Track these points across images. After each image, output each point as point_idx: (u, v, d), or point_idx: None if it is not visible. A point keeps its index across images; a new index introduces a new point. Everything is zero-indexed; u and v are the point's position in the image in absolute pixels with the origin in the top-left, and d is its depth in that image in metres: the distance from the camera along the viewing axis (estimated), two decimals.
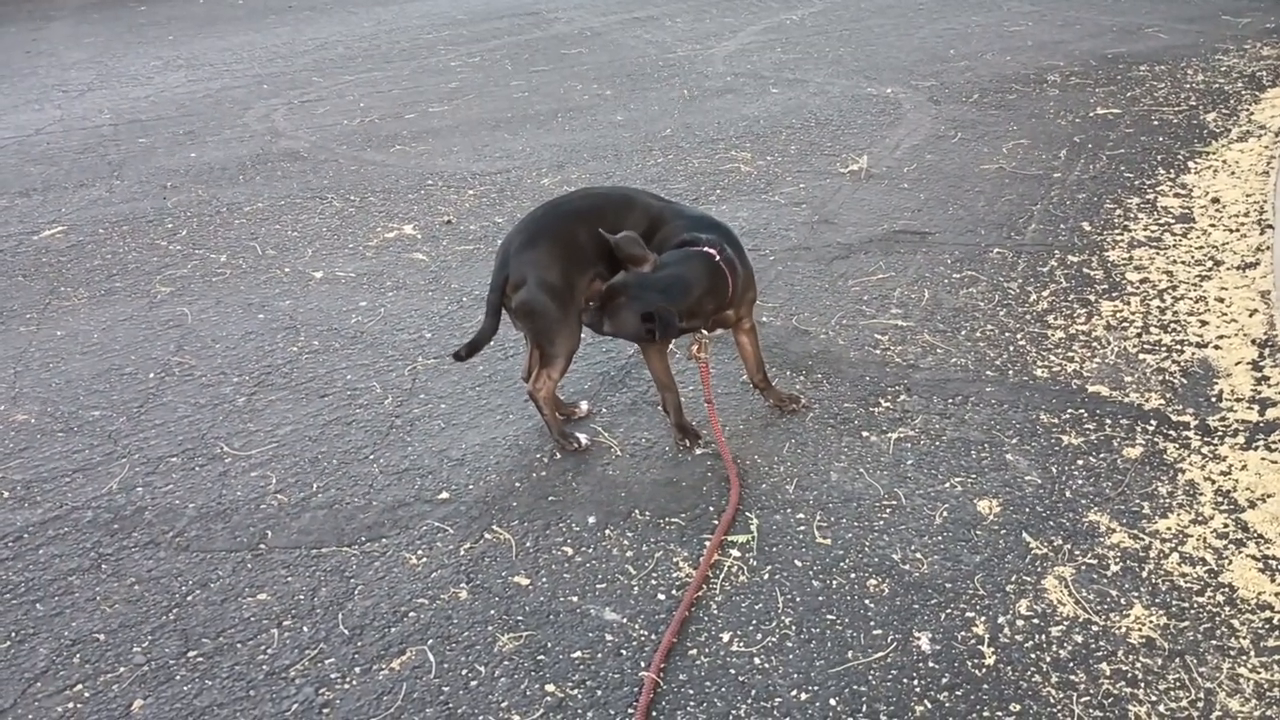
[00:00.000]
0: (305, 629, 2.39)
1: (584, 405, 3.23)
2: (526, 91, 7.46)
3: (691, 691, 2.15)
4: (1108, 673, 2.12)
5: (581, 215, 2.89)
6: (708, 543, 2.57)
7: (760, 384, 3.14)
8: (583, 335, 2.94)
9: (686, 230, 2.87)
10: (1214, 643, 2.18)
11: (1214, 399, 3.06)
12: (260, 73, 8.80)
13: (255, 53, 9.75)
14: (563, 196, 3.05)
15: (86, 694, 2.24)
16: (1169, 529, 2.53)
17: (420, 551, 2.63)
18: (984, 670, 2.15)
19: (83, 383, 3.60)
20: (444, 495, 2.85)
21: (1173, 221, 4.34)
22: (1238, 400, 3.04)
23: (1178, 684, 2.09)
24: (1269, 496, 2.61)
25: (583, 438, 3.03)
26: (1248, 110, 5.80)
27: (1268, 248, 3.97)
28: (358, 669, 2.26)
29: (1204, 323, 3.48)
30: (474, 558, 2.59)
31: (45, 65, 9.86)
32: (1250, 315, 3.49)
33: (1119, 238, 4.21)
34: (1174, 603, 2.30)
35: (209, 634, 2.39)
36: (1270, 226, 4.12)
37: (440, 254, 4.55)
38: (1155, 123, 5.68)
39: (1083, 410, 3.03)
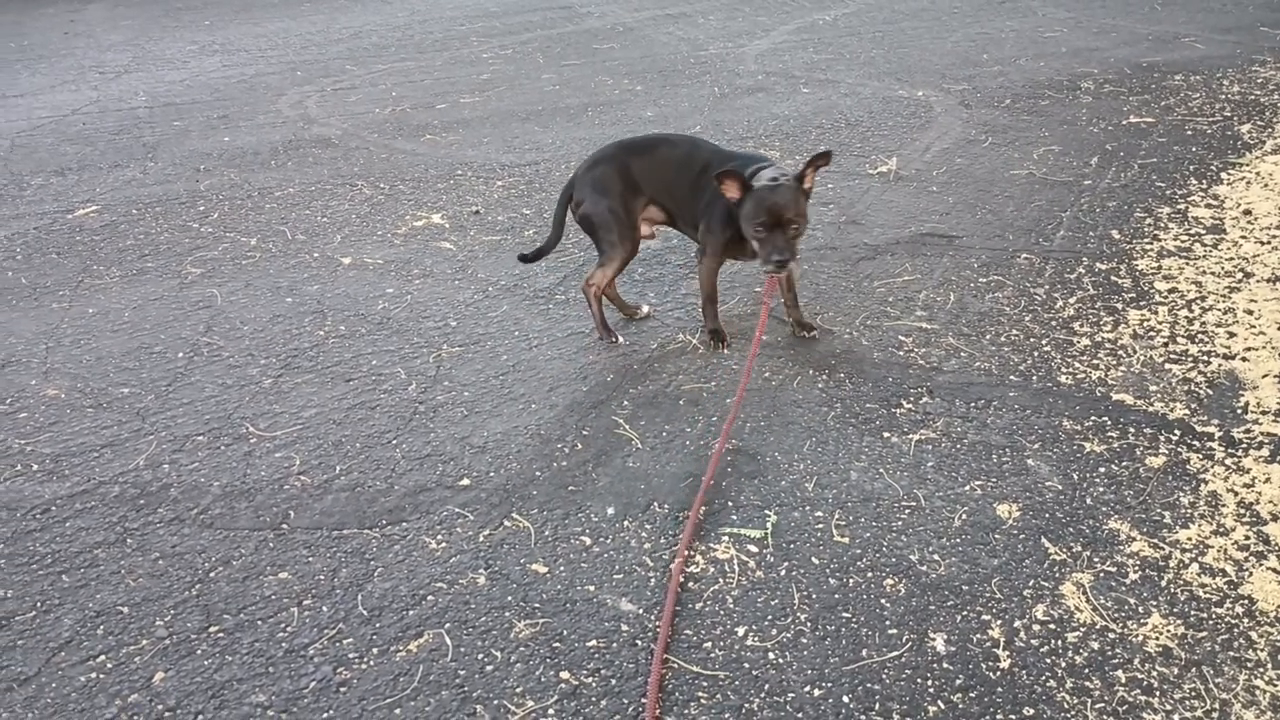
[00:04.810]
0: (325, 609, 2.42)
1: (645, 308, 3.83)
2: (557, 85, 7.48)
3: (705, 684, 2.16)
4: (1123, 680, 2.12)
5: (638, 149, 3.53)
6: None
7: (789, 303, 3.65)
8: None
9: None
10: (1231, 654, 2.17)
11: (1239, 411, 3.04)
12: (294, 59, 8.87)
13: (290, 39, 9.82)
14: (635, 136, 3.68)
15: (109, 665, 2.28)
16: (1190, 539, 2.52)
17: (440, 536, 2.65)
18: (998, 673, 2.15)
19: (113, 360, 3.65)
20: (465, 482, 2.88)
21: (1203, 232, 4.31)
22: (1263, 413, 3.01)
23: (1193, 694, 2.08)
24: None
25: (619, 336, 3.59)
26: None
27: None
28: (375, 650, 2.29)
29: (1232, 334, 3.46)
30: (493, 544, 2.62)
31: (83, 47, 9.97)
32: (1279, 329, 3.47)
33: (1148, 247, 4.18)
34: (1192, 613, 2.29)
35: (230, 610, 2.43)
36: None
37: (468, 243, 4.58)
38: (1189, 133, 5.64)
39: (1106, 418, 3.02)
